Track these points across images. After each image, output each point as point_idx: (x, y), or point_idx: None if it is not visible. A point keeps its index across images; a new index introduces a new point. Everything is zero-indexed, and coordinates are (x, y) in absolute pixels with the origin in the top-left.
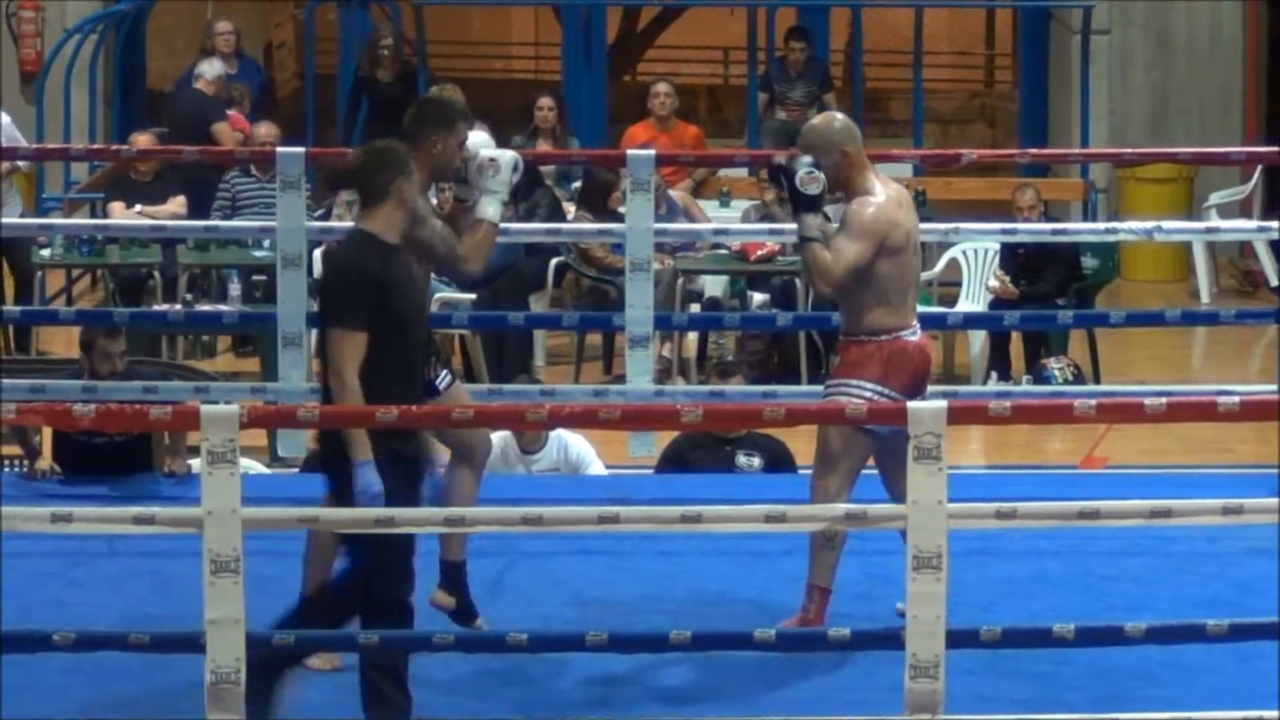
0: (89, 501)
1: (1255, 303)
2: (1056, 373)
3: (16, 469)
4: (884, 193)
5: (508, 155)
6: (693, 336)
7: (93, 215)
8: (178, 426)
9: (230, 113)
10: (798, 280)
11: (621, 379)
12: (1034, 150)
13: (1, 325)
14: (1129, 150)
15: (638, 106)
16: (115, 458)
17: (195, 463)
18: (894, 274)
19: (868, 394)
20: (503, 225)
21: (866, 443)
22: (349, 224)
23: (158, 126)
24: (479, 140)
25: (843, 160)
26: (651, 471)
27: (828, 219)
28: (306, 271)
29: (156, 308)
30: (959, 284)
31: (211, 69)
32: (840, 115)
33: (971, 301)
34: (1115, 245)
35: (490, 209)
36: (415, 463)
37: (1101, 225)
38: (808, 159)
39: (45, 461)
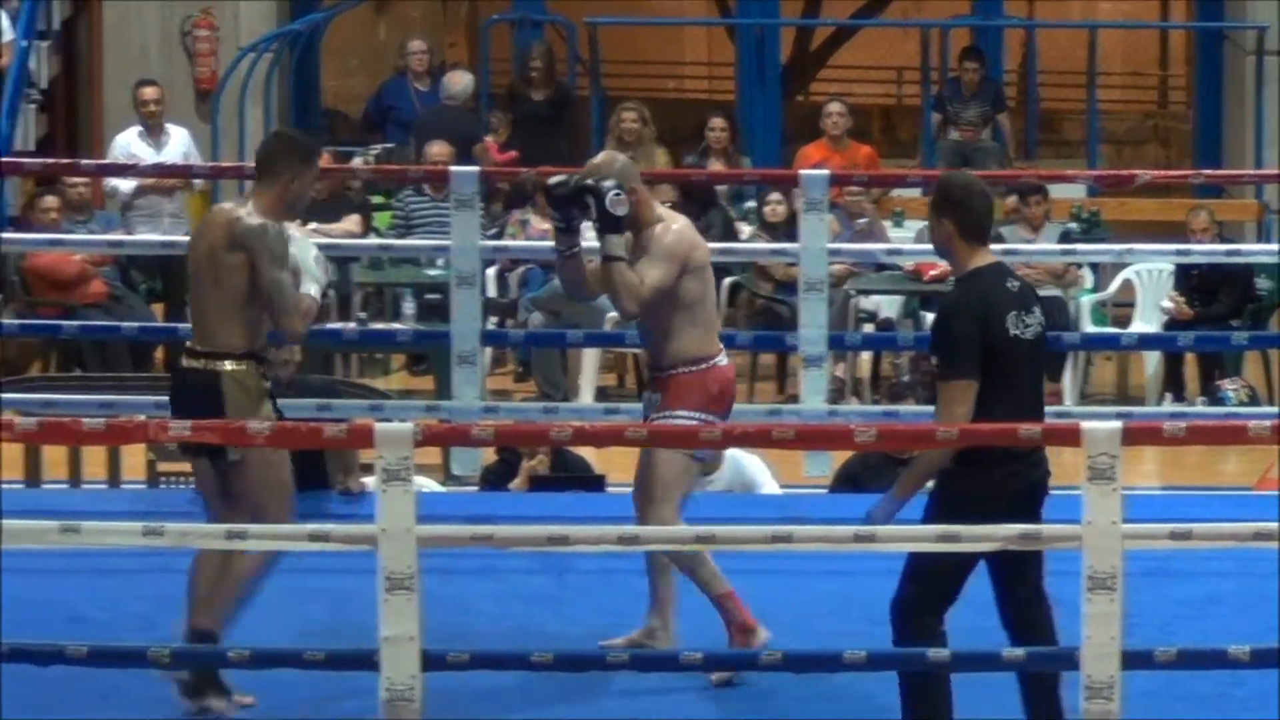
0: None
1: None
2: (1231, 394)
3: (186, 485)
4: (678, 219)
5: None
6: (866, 356)
7: None
8: (353, 444)
9: (486, 139)
10: None
11: (795, 398)
12: (1208, 171)
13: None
14: None
15: (811, 126)
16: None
17: (369, 481)
18: (700, 293)
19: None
20: None
21: (695, 468)
22: (523, 243)
23: (333, 144)
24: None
25: (632, 196)
26: (825, 491)
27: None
28: (480, 290)
29: (331, 325)
30: (1133, 305)
31: (462, 87)
32: (620, 154)
33: (1146, 322)
34: None
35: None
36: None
37: (1276, 247)
38: (611, 181)
39: None
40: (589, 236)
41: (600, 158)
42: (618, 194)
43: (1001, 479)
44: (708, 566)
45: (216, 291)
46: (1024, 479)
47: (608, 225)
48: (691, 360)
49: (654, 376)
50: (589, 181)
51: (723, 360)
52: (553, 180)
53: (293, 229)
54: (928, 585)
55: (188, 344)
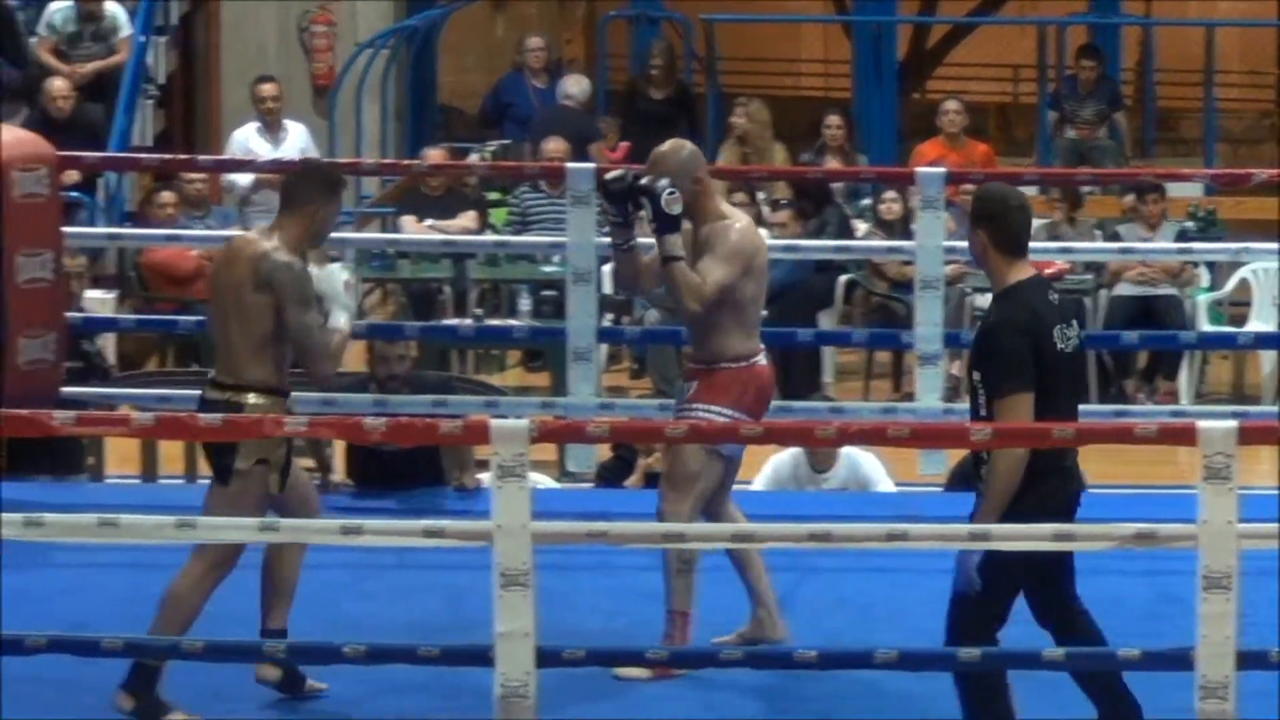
0: (378, 515)
1: None
2: None
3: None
4: (742, 217)
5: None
6: None
7: (384, 229)
8: (468, 440)
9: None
10: (1087, 299)
11: (911, 396)
12: None
13: None
14: None
15: (927, 124)
16: (406, 470)
17: (484, 476)
18: (755, 295)
19: (724, 418)
20: (792, 242)
21: (720, 466)
22: (640, 240)
23: (449, 141)
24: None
25: (696, 187)
26: (941, 490)
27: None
28: (596, 286)
29: (447, 322)
30: (1248, 304)
31: (580, 89)
32: (688, 143)
33: (1262, 321)
34: None
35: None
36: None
37: None
38: (665, 180)
39: (338, 475)
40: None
41: (667, 146)
42: (672, 193)
43: (1048, 494)
44: (687, 579)
45: (242, 328)
46: (1067, 491)
47: (665, 225)
48: (733, 358)
49: (692, 367)
50: (643, 181)
51: (762, 360)
52: (609, 175)
53: (314, 264)
54: (978, 611)
55: (211, 376)
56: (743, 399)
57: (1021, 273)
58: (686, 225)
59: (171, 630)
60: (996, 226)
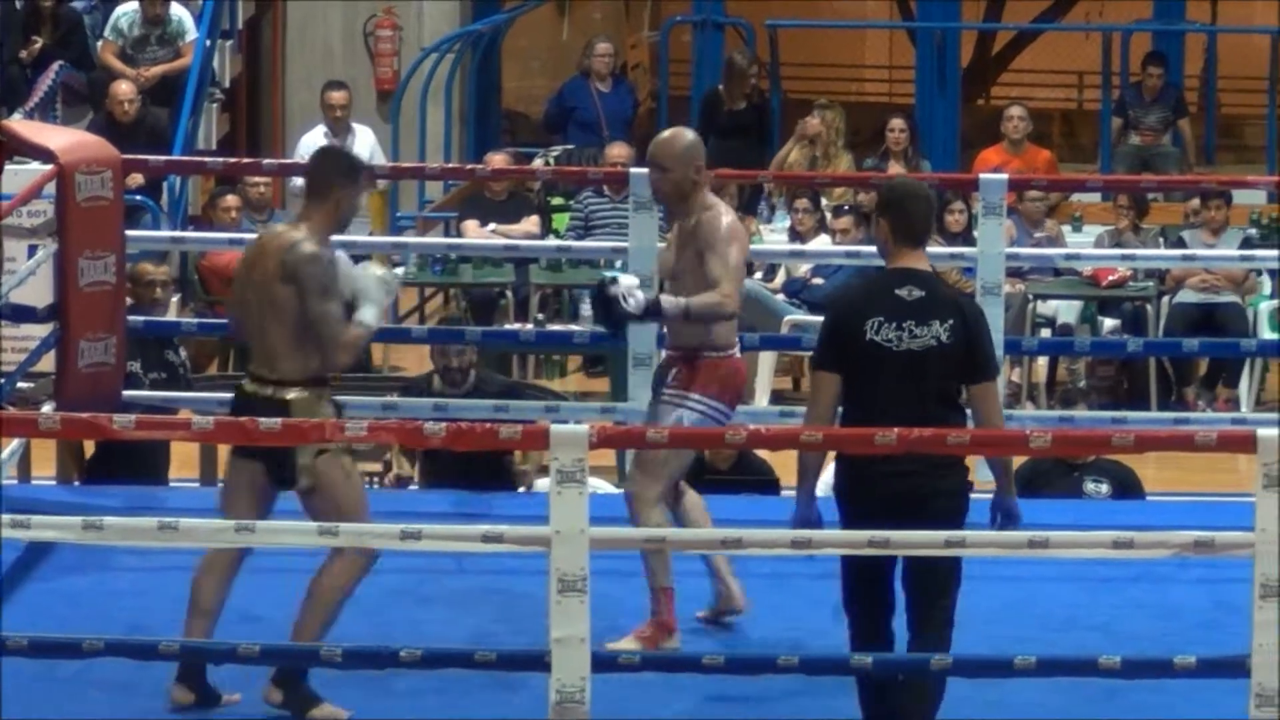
0: (436, 519)
1: None
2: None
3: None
4: (729, 209)
5: None
6: (1042, 361)
7: (446, 234)
8: (527, 446)
9: None
10: (1149, 306)
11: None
12: None
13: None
14: None
15: (990, 130)
16: (470, 463)
17: (542, 482)
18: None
19: (704, 409)
20: (854, 248)
21: (689, 453)
22: None
23: (513, 145)
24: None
25: (696, 177)
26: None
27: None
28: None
29: (508, 326)
30: None
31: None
32: (689, 132)
33: None
34: None
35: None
36: None
37: None
38: (616, 286)
39: (403, 469)
40: None
41: (667, 134)
42: (631, 289)
43: (872, 483)
44: (664, 557)
45: (276, 321)
46: (886, 488)
47: (650, 315)
48: (719, 346)
49: (672, 355)
50: (605, 293)
51: (739, 353)
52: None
53: (351, 262)
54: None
55: (250, 369)
56: (725, 392)
57: (901, 261)
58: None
59: (317, 628)
60: (897, 216)
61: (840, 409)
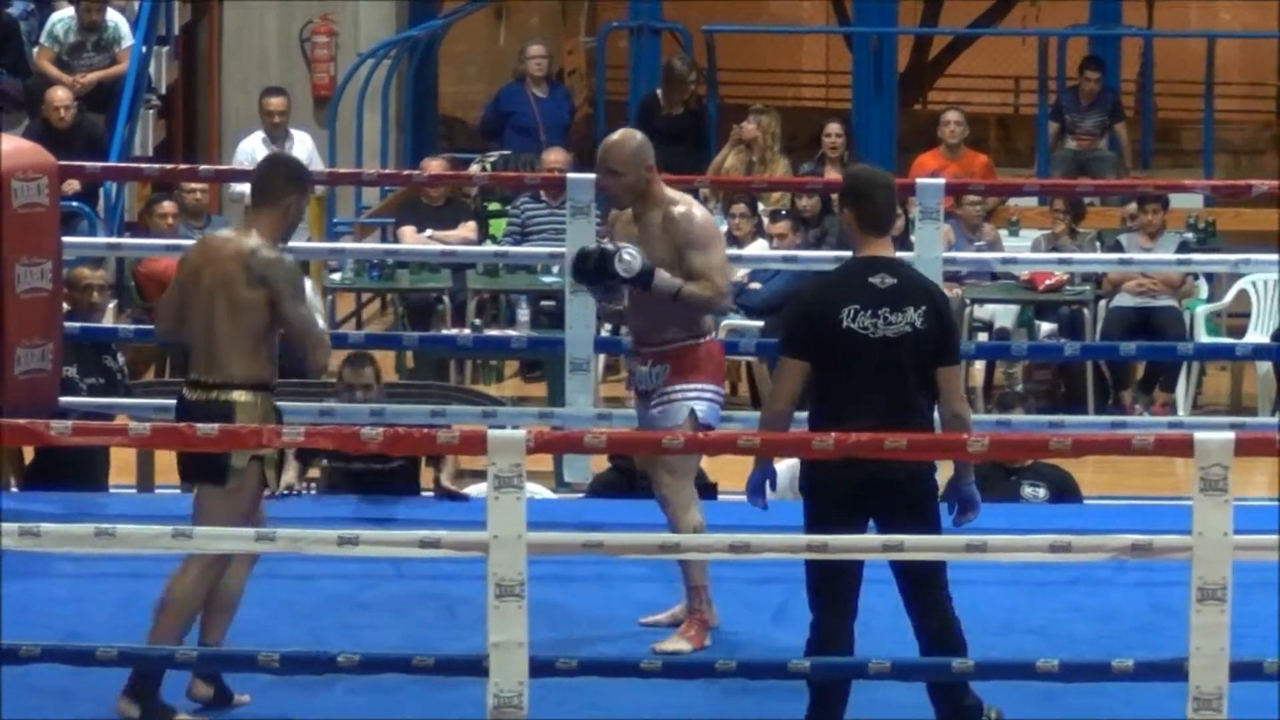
0: (367, 524)
1: None
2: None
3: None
4: (694, 201)
5: None
6: (979, 365)
7: (383, 239)
8: (465, 451)
9: None
10: (1086, 310)
11: None
12: None
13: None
14: None
15: (927, 135)
16: (379, 475)
17: (475, 489)
18: None
19: (711, 395)
20: (791, 252)
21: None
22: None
23: (450, 151)
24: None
25: (647, 174)
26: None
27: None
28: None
29: (445, 332)
30: (1248, 315)
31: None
32: (637, 133)
33: (1260, 333)
34: None
35: None
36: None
37: None
38: (613, 247)
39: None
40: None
41: (616, 137)
42: (630, 255)
43: (837, 470)
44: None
45: (233, 324)
46: (852, 473)
47: (642, 280)
48: (702, 332)
49: (651, 351)
50: (606, 252)
51: (716, 335)
52: (574, 262)
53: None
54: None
55: (191, 375)
56: (715, 373)
57: (868, 250)
58: (628, 213)
59: (173, 634)
60: (861, 205)
61: (812, 397)
